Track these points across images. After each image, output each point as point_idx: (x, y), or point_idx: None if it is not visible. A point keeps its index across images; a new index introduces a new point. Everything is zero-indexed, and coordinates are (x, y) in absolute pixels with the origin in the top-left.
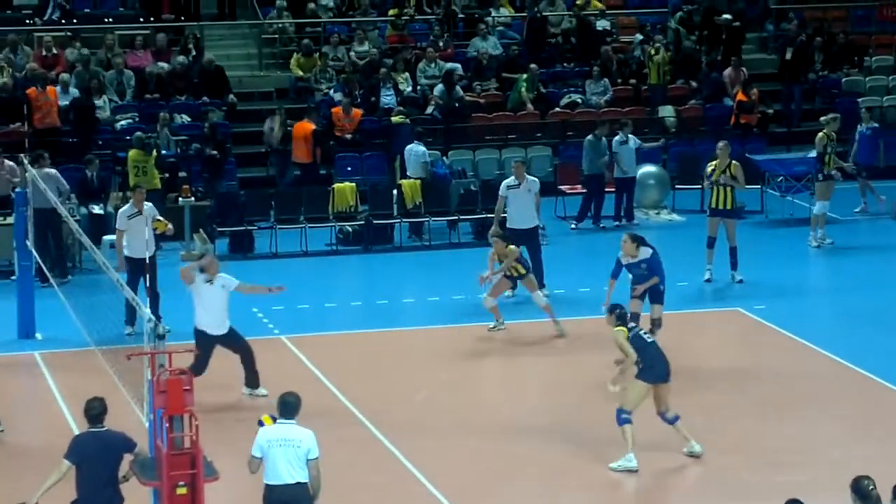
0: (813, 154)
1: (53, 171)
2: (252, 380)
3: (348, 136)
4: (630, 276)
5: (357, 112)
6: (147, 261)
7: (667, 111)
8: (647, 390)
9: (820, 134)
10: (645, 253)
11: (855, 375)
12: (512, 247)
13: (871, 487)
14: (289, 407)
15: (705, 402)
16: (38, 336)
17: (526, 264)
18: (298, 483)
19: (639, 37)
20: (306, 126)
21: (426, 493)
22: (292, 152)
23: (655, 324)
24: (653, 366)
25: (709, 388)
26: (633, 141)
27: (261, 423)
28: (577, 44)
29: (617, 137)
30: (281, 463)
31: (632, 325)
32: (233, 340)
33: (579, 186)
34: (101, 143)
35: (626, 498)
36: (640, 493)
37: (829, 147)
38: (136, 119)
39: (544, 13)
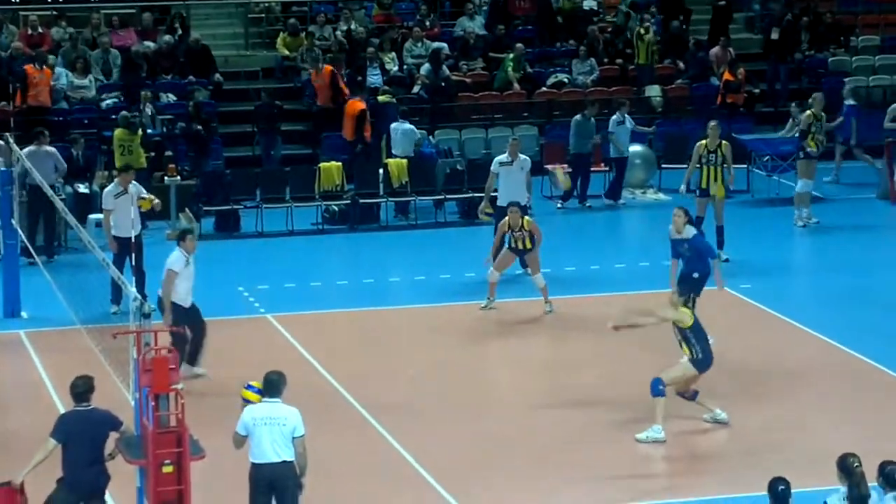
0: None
1: (52, 148)
2: (194, 357)
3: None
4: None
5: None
6: (133, 240)
7: (653, 91)
8: (695, 378)
9: (807, 112)
10: (689, 232)
11: (840, 354)
12: (529, 218)
13: (855, 465)
14: (273, 385)
15: None
16: (24, 315)
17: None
18: (284, 461)
19: (623, 7)
20: (356, 105)
21: (414, 473)
22: (343, 129)
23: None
24: (708, 357)
25: None
26: (629, 121)
27: (246, 401)
28: (563, 23)
29: (614, 117)
30: (266, 441)
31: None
32: (196, 314)
33: (566, 166)
34: (86, 121)
35: (614, 477)
36: (630, 472)
37: (815, 126)
38: (122, 98)
39: None
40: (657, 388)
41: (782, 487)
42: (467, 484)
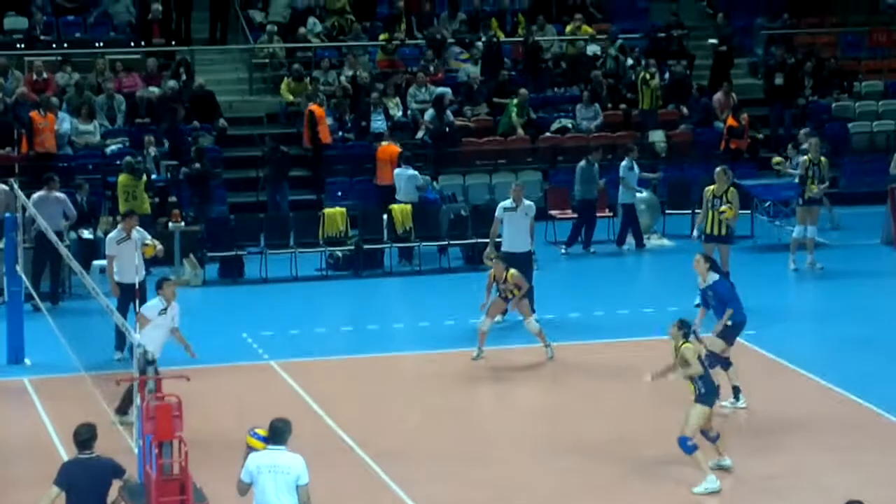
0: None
1: (62, 195)
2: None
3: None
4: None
5: None
6: (137, 286)
7: (657, 136)
8: (709, 415)
9: (804, 157)
10: (711, 278)
11: (844, 401)
12: (514, 271)
13: None
14: (278, 433)
15: None
16: (28, 362)
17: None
18: None
19: (612, 52)
20: (391, 149)
21: None
22: (376, 175)
23: (721, 359)
24: (712, 389)
25: None
26: (636, 167)
27: (250, 448)
28: (567, 68)
29: (624, 163)
30: (270, 490)
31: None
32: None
33: (570, 211)
34: (90, 167)
35: None
36: None
37: (811, 171)
38: (127, 144)
39: (536, 38)
40: (686, 446)
41: None
42: None
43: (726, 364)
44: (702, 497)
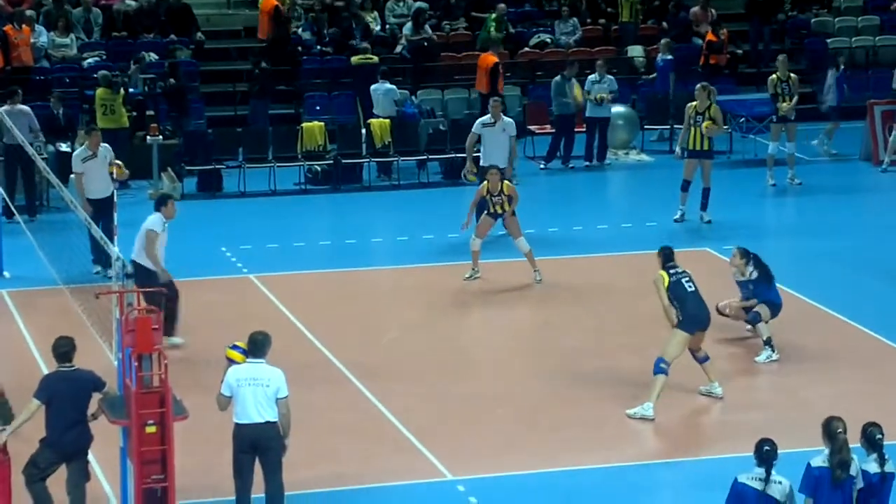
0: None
1: (26, 108)
2: (170, 328)
3: None
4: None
5: None
6: (106, 200)
7: (636, 51)
8: (687, 340)
9: (772, 76)
10: (752, 274)
11: (820, 314)
12: (508, 182)
13: (839, 430)
14: (258, 346)
15: None
16: (6, 274)
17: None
18: (268, 422)
19: None
20: (489, 58)
21: (396, 432)
22: (476, 83)
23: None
24: (695, 315)
25: None
26: (610, 81)
27: (231, 361)
28: None
29: (591, 76)
30: (250, 402)
31: (677, 269)
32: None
33: (548, 126)
34: (67, 80)
35: (592, 437)
36: (616, 433)
37: (780, 88)
38: (104, 57)
39: None
40: (658, 367)
41: (767, 448)
42: (449, 443)
43: (756, 317)
44: (698, 406)
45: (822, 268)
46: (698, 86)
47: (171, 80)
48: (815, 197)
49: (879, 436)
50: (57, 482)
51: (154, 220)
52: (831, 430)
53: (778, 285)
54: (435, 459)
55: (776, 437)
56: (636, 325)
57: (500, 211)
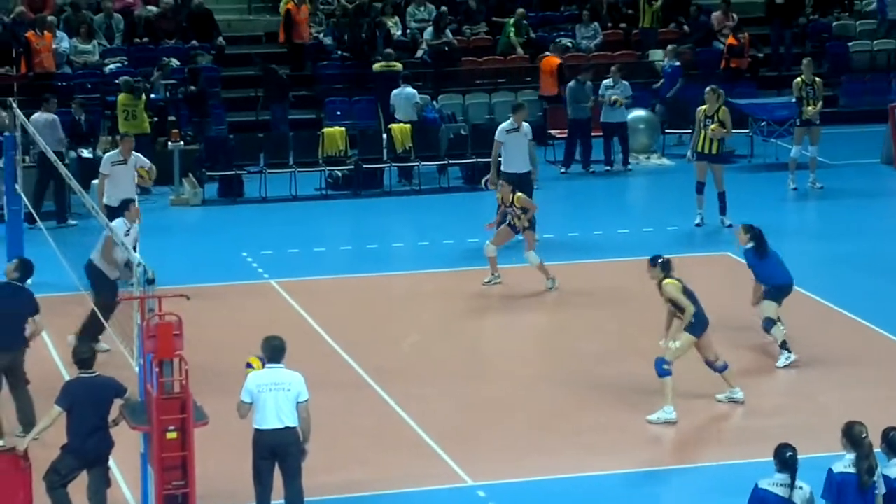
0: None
1: (55, 117)
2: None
3: None
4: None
5: None
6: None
7: (657, 55)
8: (691, 344)
9: (797, 79)
10: (747, 245)
11: (843, 319)
12: (520, 194)
13: (863, 435)
14: (277, 351)
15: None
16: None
17: (532, 221)
18: (287, 427)
19: None
20: (552, 60)
21: (416, 437)
22: (540, 86)
23: (763, 322)
24: (702, 317)
25: None
26: (624, 87)
27: (249, 366)
28: None
29: (606, 82)
30: (271, 407)
31: (677, 277)
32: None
33: (566, 131)
34: (89, 86)
35: (612, 442)
36: (633, 438)
37: (804, 92)
38: (126, 63)
39: None
40: (661, 369)
41: (790, 454)
42: (468, 448)
43: (769, 324)
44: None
45: (843, 271)
46: (708, 89)
47: (192, 87)
48: (837, 201)
49: None
50: (78, 489)
51: (117, 224)
52: (855, 435)
53: (799, 289)
54: (455, 464)
55: (795, 443)
56: (656, 330)
57: (516, 223)
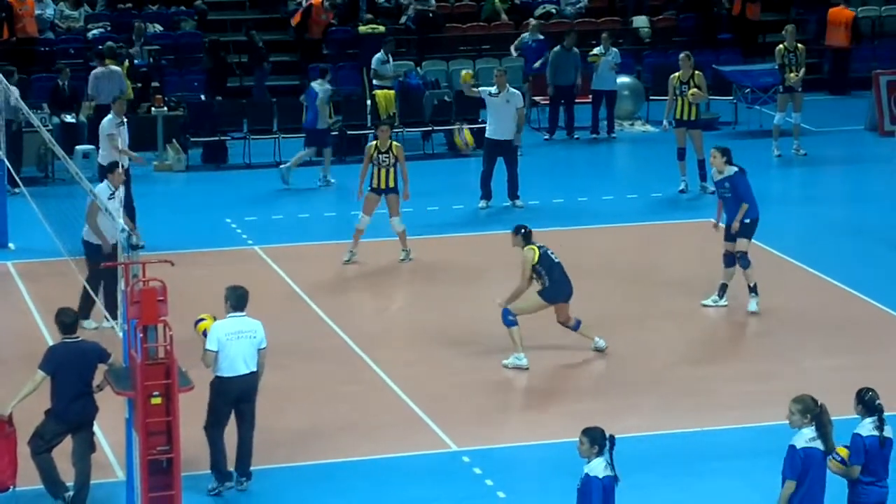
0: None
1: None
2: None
3: None
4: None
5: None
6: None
7: (641, 21)
8: (539, 307)
9: (779, 46)
10: (730, 171)
11: (825, 285)
12: (398, 144)
13: (877, 400)
14: (241, 299)
15: (677, 310)
16: (11, 246)
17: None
18: (252, 372)
19: None
20: (845, 13)
21: (401, 403)
22: (826, 38)
23: (739, 257)
24: (558, 286)
25: (682, 295)
26: (614, 54)
27: (201, 321)
28: None
29: (596, 49)
30: (238, 355)
31: (540, 244)
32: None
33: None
34: (72, 52)
35: (597, 408)
36: (615, 403)
37: (786, 58)
38: (109, 28)
39: None
40: (507, 319)
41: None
42: (454, 415)
43: (746, 262)
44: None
45: (826, 238)
46: (682, 55)
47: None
48: (821, 167)
49: (879, 401)
50: (63, 453)
51: (100, 188)
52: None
53: (781, 255)
54: (439, 430)
55: (776, 408)
56: (642, 296)
57: (383, 176)
